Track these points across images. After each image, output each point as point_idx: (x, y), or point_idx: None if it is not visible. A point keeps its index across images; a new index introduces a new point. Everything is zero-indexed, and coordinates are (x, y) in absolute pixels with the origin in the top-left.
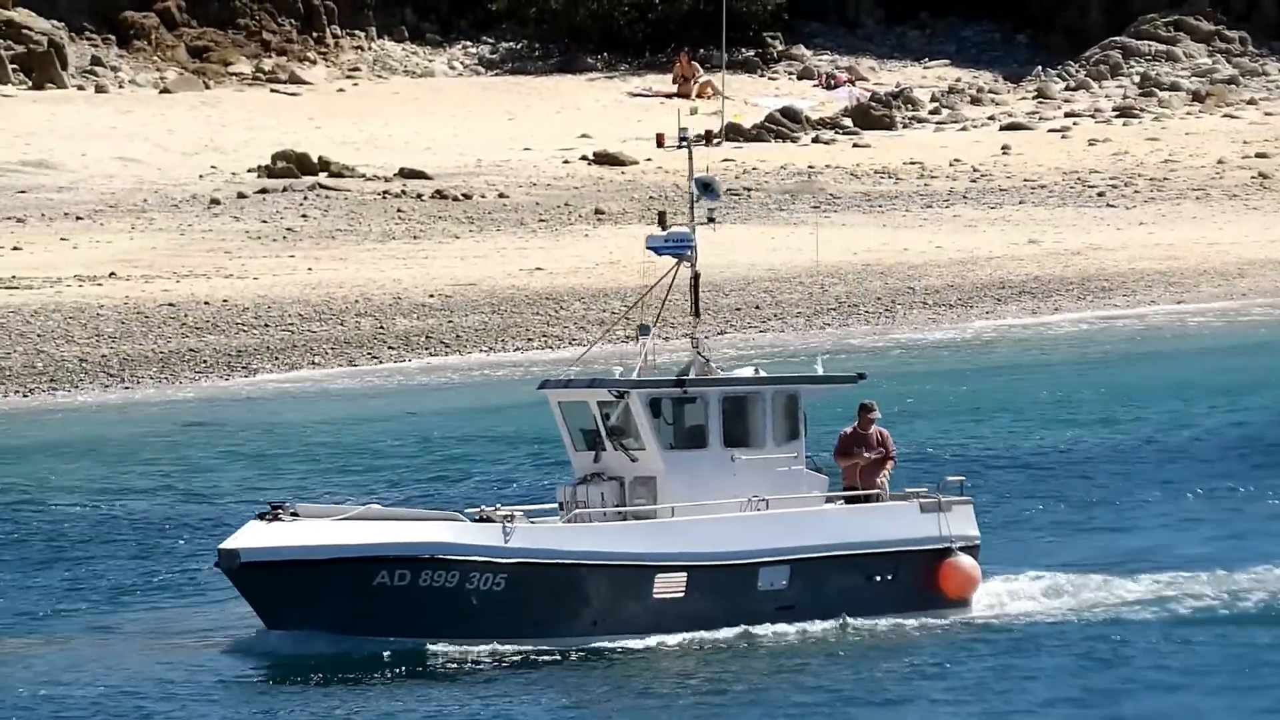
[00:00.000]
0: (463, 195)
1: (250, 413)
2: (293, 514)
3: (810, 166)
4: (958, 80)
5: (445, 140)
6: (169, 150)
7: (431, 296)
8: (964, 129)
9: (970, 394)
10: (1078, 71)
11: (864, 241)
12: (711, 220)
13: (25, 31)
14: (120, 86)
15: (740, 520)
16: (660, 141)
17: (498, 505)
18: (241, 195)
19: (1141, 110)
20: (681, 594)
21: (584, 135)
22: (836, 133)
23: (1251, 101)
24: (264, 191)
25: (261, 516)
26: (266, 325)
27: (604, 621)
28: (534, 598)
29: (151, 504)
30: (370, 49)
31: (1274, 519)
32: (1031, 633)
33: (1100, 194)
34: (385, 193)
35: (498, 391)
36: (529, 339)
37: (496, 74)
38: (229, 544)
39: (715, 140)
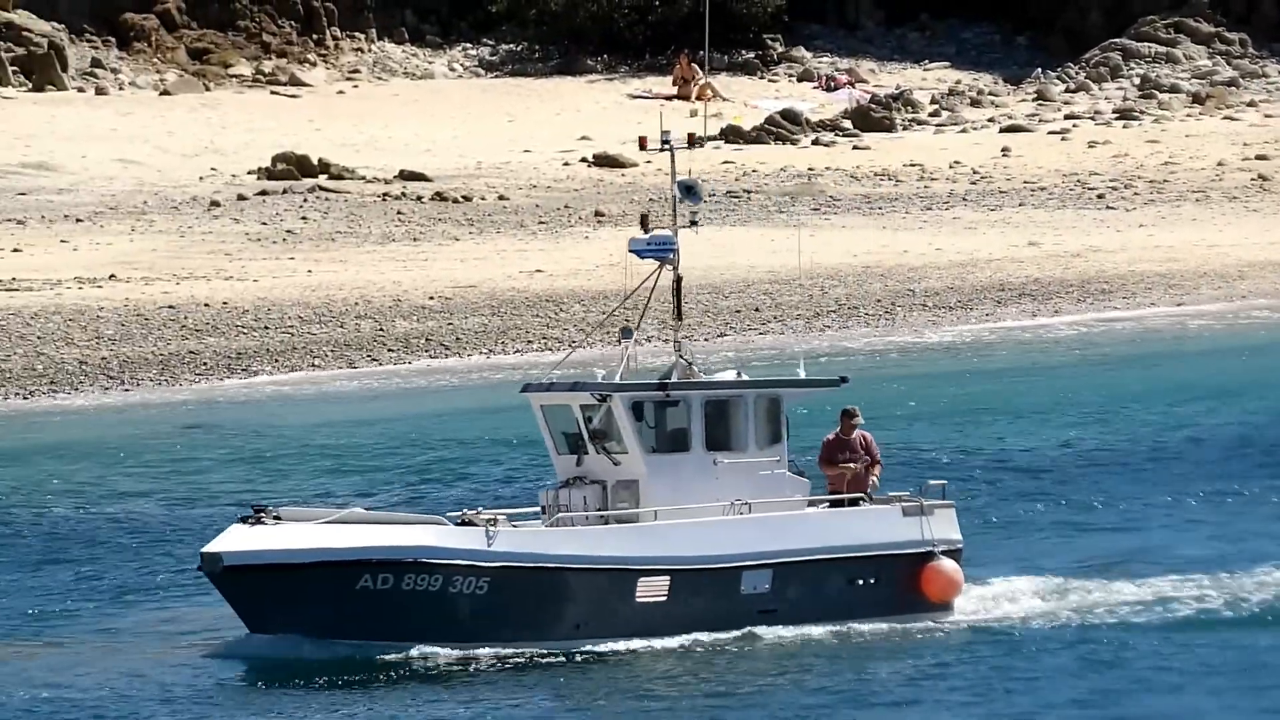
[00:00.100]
0: (463, 197)
1: (248, 415)
2: (275, 517)
3: (810, 168)
4: (957, 82)
5: (445, 142)
6: (169, 152)
7: (431, 299)
8: (964, 131)
9: (970, 396)
10: (1077, 73)
11: (864, 244)
12: (694, 223)
13: (25, 33)
14: (120, 88)
15: (723, 524)
16: (643, 144)
17: (479, 509)
18: (241, 197)
19: (1141, 112)
20: (664, 598)
21: (584, 137)
22: (836, 135)
23: (1251, 103)
24: (264, 194)
25: (244, 520)
26: (266, 327)
27: (587, 625)
28: (517, 602)
29: (149, 506)
30: (370, 51)
31: (1275, 520)
32: (1033, 634)
33: (1100, 196)
34: (385, 195)
35: (498, 393)
36: (529, 341)
37: (496, 76)
38: (211, 547)
39: (698, 143)
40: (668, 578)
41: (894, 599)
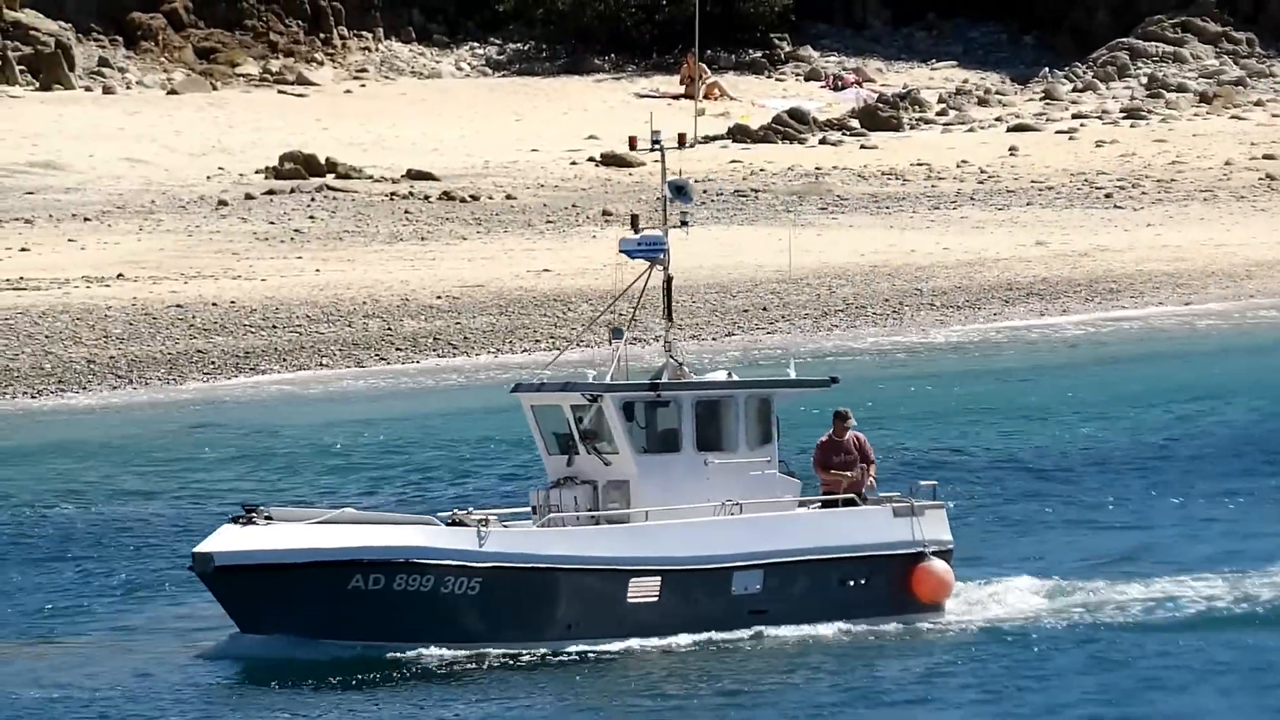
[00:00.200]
0: (470, 197)
1: (255, 414)
2: (267, 517)
3: (817, 168)
4: (965, 81)
5: (452, 141)
6: (176, 151)
7: (439, 298)
8: (971, 130)
9: (977, 395)
10: (1085, 73)
11: (871, 243)
12: (685, 224)
13: (32, 33)
14: (128, 87)
15: (714, 524)
16: (633, 144)
17: (469, 509)
18: (249, 196)
19: (1149, 112)
20: (655, 598)
21: (591, 136)
22: (844, 134)
23: (1259, 103)
24: (271, 193)
25: (235, 520)
26: (274, 327)
27: (578, 626)
28: (508, 602)
29: (156, 505)
30: (377, 50)
31: None
32: (1042, 633)
33: (1107, 195)
34: (393, 194)
35: (505, 393)
36: (537, 340)
37: (504, 75)
38: (203, 547)
39: (692, 143)
40: (659, 578)
41: (885, 599)
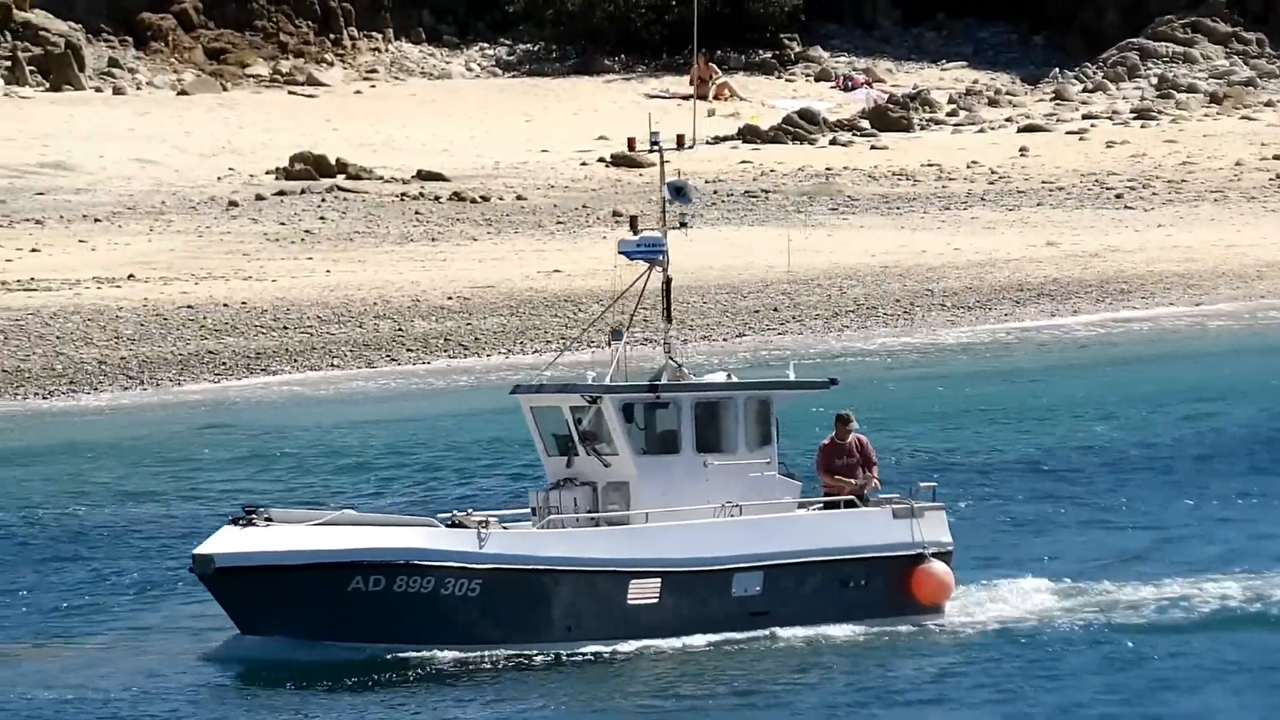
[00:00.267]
0: (480, 197)
1: (266, 415)
2: (267, 519)
3: (828, 168)
4: (975, 82)
5: (463, 142)
6: (187, 152)
7: (450, 299)
8: (981, 131)
9: (987, 396)
10: (1095, 73)
11: (882, 243)
12: (684, 225)
13: (42, 33)
14: (138, 88)
15: (714, 526)
16: (631, 145)
17: (469, 510)
18: (259, 197)
19: (1159, 112)
20: (655, 599)
21: (601, 137)
22: (854, 134)
23: (1269, 103)
24: (282, 194)
25: (235, 521)
26: (285, 328)
27: (578, 627)
28: (508, 603)
29: (165, 506)
30: (387, 51)
31: None
32: (1055, 633)
33: (1118, 196)
34: (403, 195)
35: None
36: (547, 341)
37: (514, 76)
38: (203, 549)
39: (688, 144)
40: (659, 580)
41: (884, 601)
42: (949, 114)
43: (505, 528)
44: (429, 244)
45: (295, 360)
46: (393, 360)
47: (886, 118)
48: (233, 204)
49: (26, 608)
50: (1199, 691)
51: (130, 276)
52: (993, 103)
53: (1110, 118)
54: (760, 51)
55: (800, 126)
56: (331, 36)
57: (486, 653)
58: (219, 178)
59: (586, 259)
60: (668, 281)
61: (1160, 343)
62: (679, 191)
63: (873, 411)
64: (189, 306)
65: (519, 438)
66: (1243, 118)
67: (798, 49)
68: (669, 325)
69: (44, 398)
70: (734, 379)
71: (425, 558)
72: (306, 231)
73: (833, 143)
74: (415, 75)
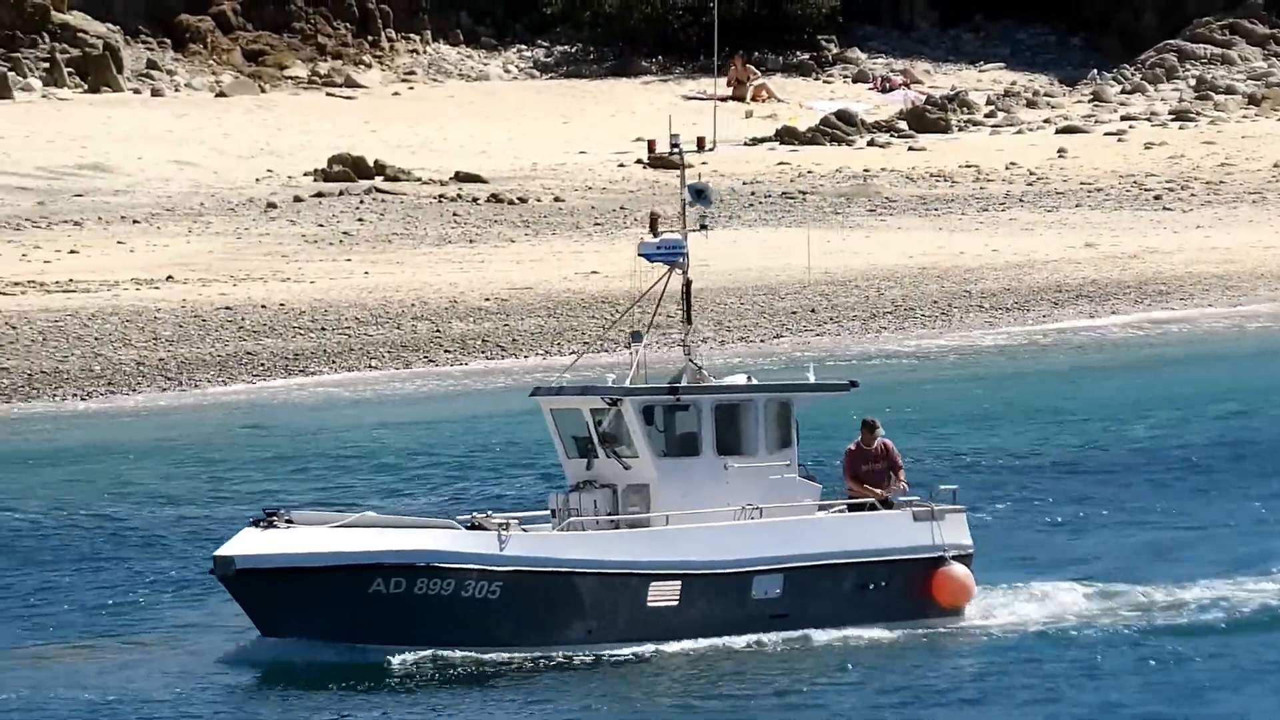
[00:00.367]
0: (518, 199)
1: (304, 416)
2: (288, 520)
3: (866, 170)
4: (1013, 83)
5: (500, 144)
6: (225, 154)
7: (487, 300)
8: (1019, 132)
9: (1024, 397)
10: (1133, 75)
11: (920, 245)
12: (704, 227)
13: (80, 35)
14: (176, 90)
15: (734, 529)
16: (651, 148)
17: (489, 512)
18: (298, 199)
19: (1197, 114)
20: (676, 602)
21: (639, 139)
22: (892, 136)
23: None
24: (320, 195)
25: (256, 523)
26: (323, 329)
27: (598, 630)
28: (529, 606)
29: (203, 507)
30: (425, 52)
31: None
32: (1093, 634)
33: (1156, 197)
34: (441, 196)
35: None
36: (585, 342)
37: (551, 77)
38: (224, 551)
39: (709, 146)
40: (679, 583)
41: (905, 604)
42: (987, 115)
43: (525, 530)
44: (467, 245)
45: (333, 361)
46: (430, 361)
47: (924, 119)
48: (271, 206)
49: (68, 605)
50: (1239, 692)
51: (169, 278)
52: (1031, 104)
53: (1148, 119)
54: (798, 53)
55: (838, 128)
56: (369, 38)
57: (507, 655)
58: (257, 179)
59: (624, 260)
60: (688, 284)
61: (1198, 344)
62: (699, 194)
63: (909, 412)
64: (227, 308)
65: (545, 440)
66: None
67: (835, 50)
68: (689, 327)
69: (82, 399)
70: (754, 381)
71: (446, 560)
72: (345, 233)
73: (870, 144)
74: (453, 77)
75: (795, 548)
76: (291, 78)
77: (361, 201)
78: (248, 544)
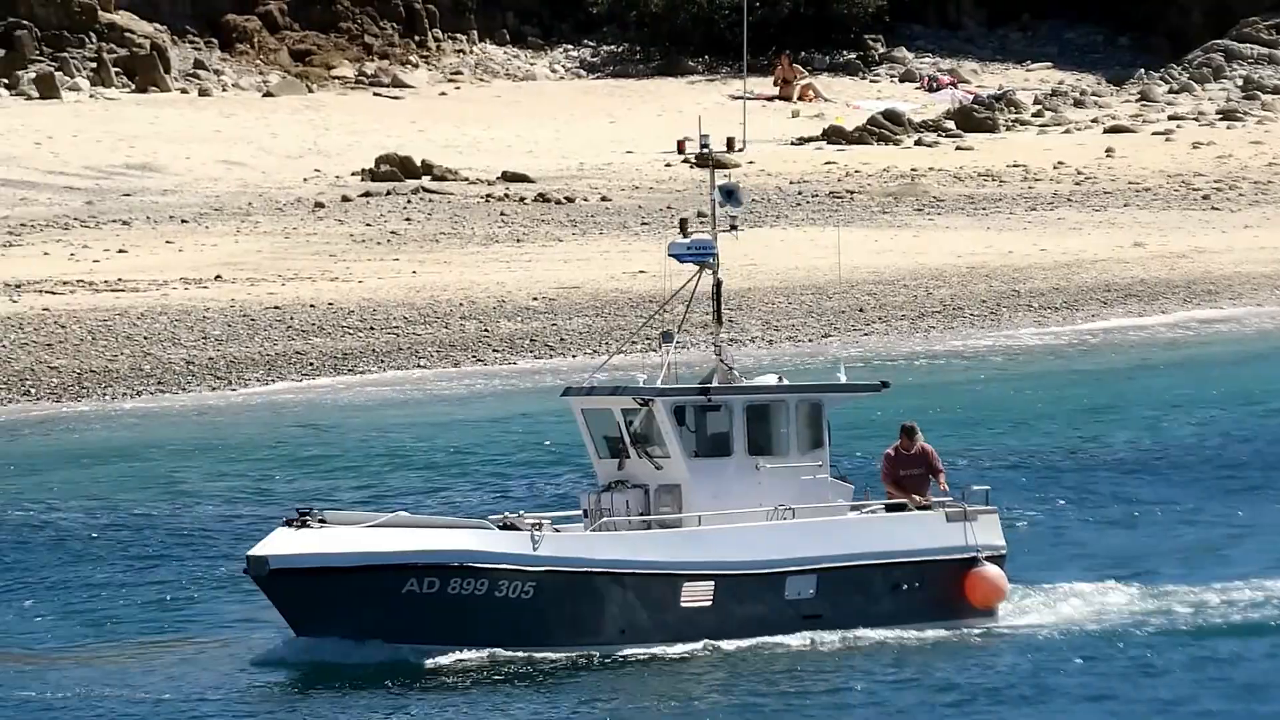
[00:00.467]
0: (565, 198)
1: (352, 416)
2: (321, 520)
3: (913, 169)
4: (1060, 83)
5: (547, 143)
6: (273, 154)
7: (535, 299)
8: (1067, 131)
9: (1071, 397)
10: (1180, 74)
11: (968, 245)
12: (734, 228)
13: (128, 35)
14: (223, 90)
15: (767, 529)
16: (680, 148)
17: (521, 512)
18: (345, 198)
19: (1245, 113)
20: (709, 603)
21: (686, 138)
22: (939, 135)
23: None
24: (368, 195)
25: (289, 523)
26: (372, 328)
27: (631, 630)
28: (562, 605)
29: (254, 506)
30: (472, 52)
31: None
32: (1145, 633)
33: (1205, 197)
34: (488, 196)
35: None
36: (633, 342)
37: (598, 77)
38: (257, 550)
39: (738, 147)
40: (713, 583)
41: (937, 604)
42: (1034, 115)
43: (557, 530)
44: (514, 245)
45: (381, 361)
46: (478, 361)
47: (971, 118)
48: (319, 205)
49: (122, 602)
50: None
51: (217, 277)
52: (1078, 103)
53: (1196, 119)
54: (845, 52)
55: (885, 127)
56: (416, 38)
57: (540, 655)
58: (305, 179)
59: (671, 260)
60: (718, 284)
61: (1247, 343)
62: (730, 194)
63: (960, 412)
64: (276, 307)
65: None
66: None
67: (882, 50)
68: (720, 328)
69: (131, 397)
70: (785, 381)
71: (480, 560)
72: (392, 233)
73: (918, 143)
74: (500, 77)
75: (828, 548)
76: (338, 78)
77: (409, 201)
78: (281, 544)
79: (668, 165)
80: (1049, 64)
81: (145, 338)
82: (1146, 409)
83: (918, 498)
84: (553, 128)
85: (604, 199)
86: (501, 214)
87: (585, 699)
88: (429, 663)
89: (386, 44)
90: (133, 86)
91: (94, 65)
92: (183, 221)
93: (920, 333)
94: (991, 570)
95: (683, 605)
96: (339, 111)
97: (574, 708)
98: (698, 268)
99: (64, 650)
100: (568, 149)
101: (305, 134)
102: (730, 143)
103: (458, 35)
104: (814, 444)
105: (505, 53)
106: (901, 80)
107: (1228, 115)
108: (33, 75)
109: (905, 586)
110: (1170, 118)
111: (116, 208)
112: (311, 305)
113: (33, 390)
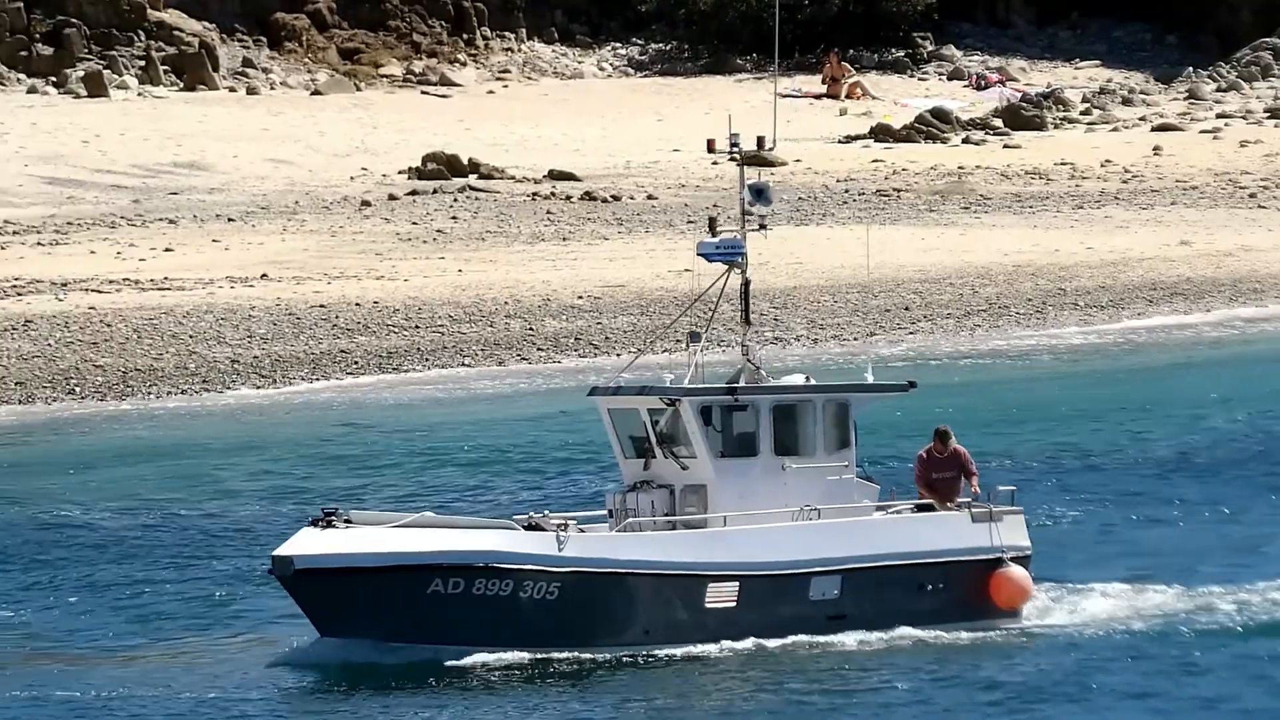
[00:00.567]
0: (611, 197)
1: (396, 414)
2: (346, 521)
3: (960, 167)
4: (1109, 81)
5: (594, 142)
6: (320, 152)
7: (580, 298)
8: (1115, 130)
9: (1115, 396)
10: (1228, 72)
11: (1015, 243)
12: (763, 227)
13: (176, 33)
14: (271, 88)
15: (792, 530)
16: (711, 147)
17: (546, 513)
18: (392, 197)
19: None
20: (734, 603)
21: (728, 135)
22: (987, 133)
23: None
24: (414, 193)
25: (314, 523)
26: (417, 327)
27: (656, 631)
28: (587, 606)
29: (298, 505)
30: (520, 51)
31: None
32: (1186, 632)
33: (1252, 195)
34: (535, 194)
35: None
36: (678, 340)
37: (645, 75)
38: (283, 551)
39: (768, 146)
40: (738, 584)
41: (962, 605)
42: (1082, 113)
43: (582, 530)
44: (560, 243)
45: (427, 359)
46: (523, 359)
47: (1019, 116)
48: (365, 204)
49: (166, 598)
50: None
51: (263, 276)
52: (1126, 102)
53: (1244, 117)
54: (893, 50)
55: (933, 125)
56: (464, 36)
57: (565, 655)
58: (352, 178)
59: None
60: (746, 284)
61: None
62: (760, 193)
63: (1001, 410)
64: (321, 306)
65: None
66: None
67: (931, 48)
68: (747, 328)
69: (176, 395)
70: (811, 381)
71: (505, 560)
72: (439, 231)
73: (965, 141)
74: (547, 75)
75: (853, 549)
76: (386, 76)
77: (455, 200)
78: (306, 544)
79: (715, 164)
80: (1097, 62)
81: (190, 336)
82: (1190, 408)
83: (949, 503)
84: (600, 126)
85: (650, 197)
86: (548, 213)
87: (608, 700)
88: (453, 664)
89: (435, 42)
90: (181, 85)
91: (142, 63)
92: (229, 220)
93: (965, 331)
94: (1016, 571)
95: (708, 606)
96: (387, 110)
97: (597, 709)
98: (726, 267)
99: (106, 649)
100: (614, 147)
101: (353, 132)
102: (760, 141)
103: (506, 34)
104: (840, 444)
105: (553, 51)
106: (950, 78)
107: (1275, 114)
108: (81, 73)
109: (930, 587)
110: (1218, 116)
111: (163, 206)
112: (357, 304)
113: (77, 389)
